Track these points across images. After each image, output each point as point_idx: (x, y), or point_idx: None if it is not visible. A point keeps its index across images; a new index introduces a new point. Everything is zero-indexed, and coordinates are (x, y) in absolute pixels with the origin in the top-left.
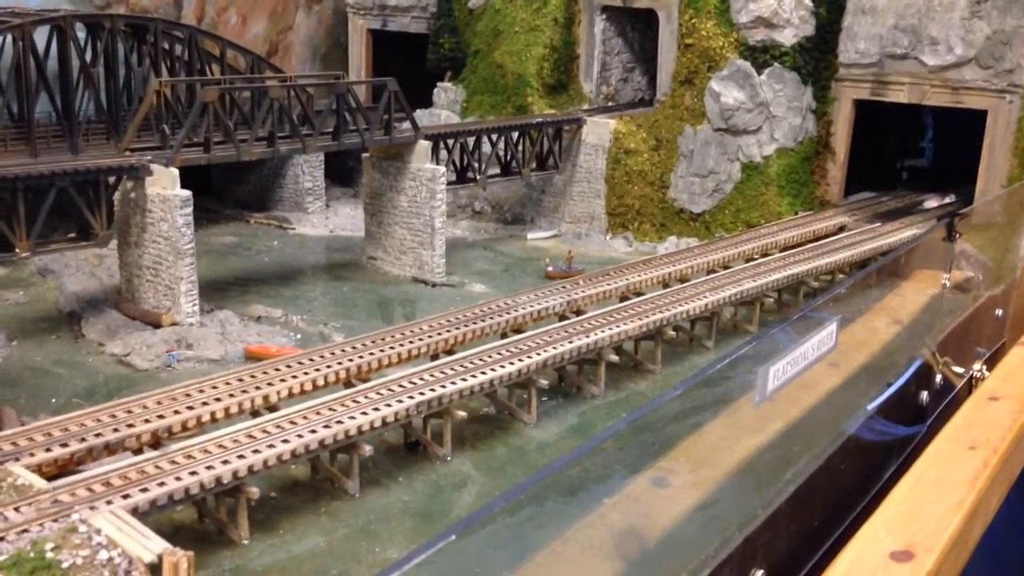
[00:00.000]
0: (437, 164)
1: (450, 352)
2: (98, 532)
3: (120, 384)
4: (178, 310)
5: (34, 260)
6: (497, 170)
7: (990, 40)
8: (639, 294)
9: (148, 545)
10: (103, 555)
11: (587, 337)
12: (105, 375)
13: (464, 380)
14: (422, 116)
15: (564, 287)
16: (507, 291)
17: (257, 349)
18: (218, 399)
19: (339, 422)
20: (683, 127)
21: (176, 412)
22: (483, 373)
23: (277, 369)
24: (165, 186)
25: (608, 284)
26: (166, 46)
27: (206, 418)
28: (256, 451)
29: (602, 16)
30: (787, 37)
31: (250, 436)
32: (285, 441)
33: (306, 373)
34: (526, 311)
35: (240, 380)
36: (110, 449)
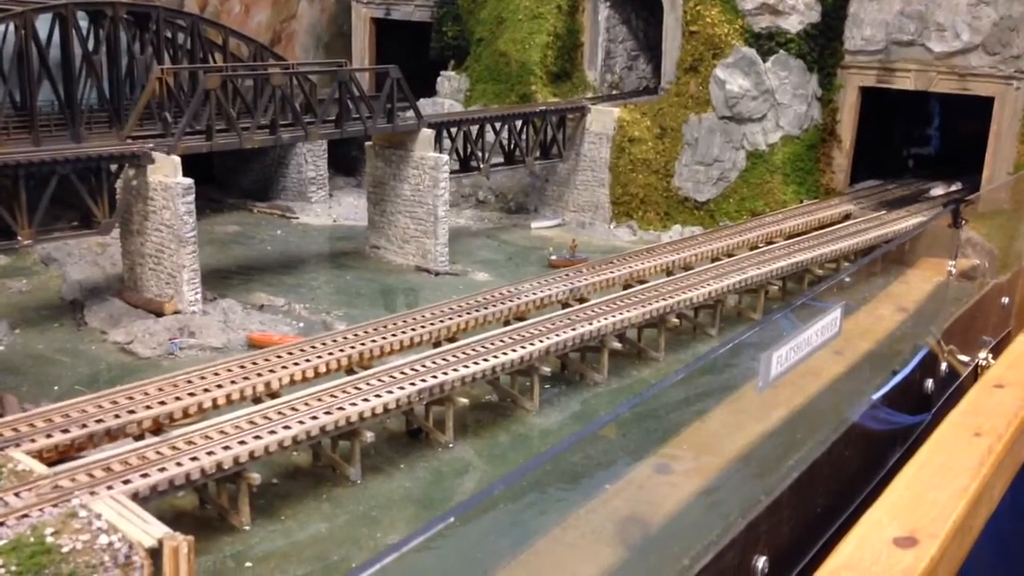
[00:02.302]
0: (440, 153)
1: (452, 340)
2: (98, 517)
3: (122, 372)
4: (181, 298)
5: (37, 249)
6: (501, 159)
7: (997, 26)
8: (642, 282)
9: (148, 530)
10: (103, 540)
11: (590, 324)
12: (107, 363)
13: (466, 367)
14: (425, 105)
15: (567, 275)
16: (510, 280)
17: (259, 337)
18: (220, 386)
19: (341, 408)
20: (688, 115)
21: (177, 398)
22: (485, 360)
23: (279, 356)
24: (167, 174)
25: (611, 272)
26: (168, 34)
27: (208, 404)
28: (257, 437)
29: (606, 3)
30: (792, 24)
31: (251, 422)
32: (286, 427)
33: (308, 360)
34: (529, 299)
35: (242, 367)
36: (111, 435)
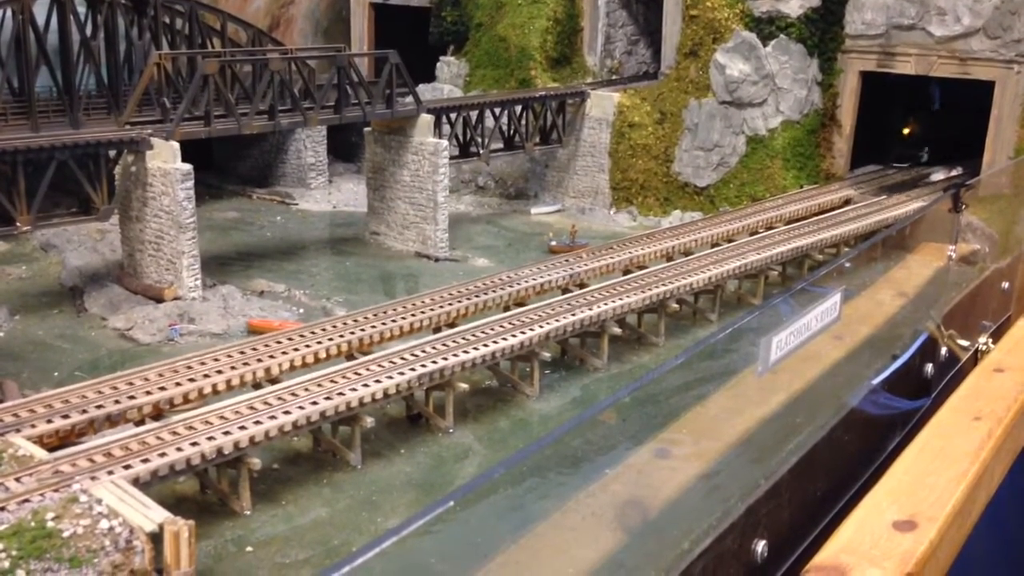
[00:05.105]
0: (440, 138)
1: (452, 325)
2: (99, 502)
3: (122, 358)
4: (180, 284)
5: (36, 235)
6: (500, 144)
7: (998, 10)
8: (642, 267)
9: (149, 515)
10: (104, 524)
11: (590, 310)
12: (107, 349)
13: (466, 352)
14: (425, 90)
15: (567, 261)
16: (510, 265)
17: (259, 323)
18: (220, 371)
19: (341, 394)
20: (688, 100)
21: (178, 384)
22: (485, 346)
23: (279, 342)
24: (166, 160)
25: (611, 257)
26: (166, 20)
27: (208, 390)
28: (257, 422)
29: None
30: (793, 8)
31: (251, 407)
32: (287, 412)
33: (308, 346)
34: (529, 284)
35: (242, 352)
36: (111, 420)
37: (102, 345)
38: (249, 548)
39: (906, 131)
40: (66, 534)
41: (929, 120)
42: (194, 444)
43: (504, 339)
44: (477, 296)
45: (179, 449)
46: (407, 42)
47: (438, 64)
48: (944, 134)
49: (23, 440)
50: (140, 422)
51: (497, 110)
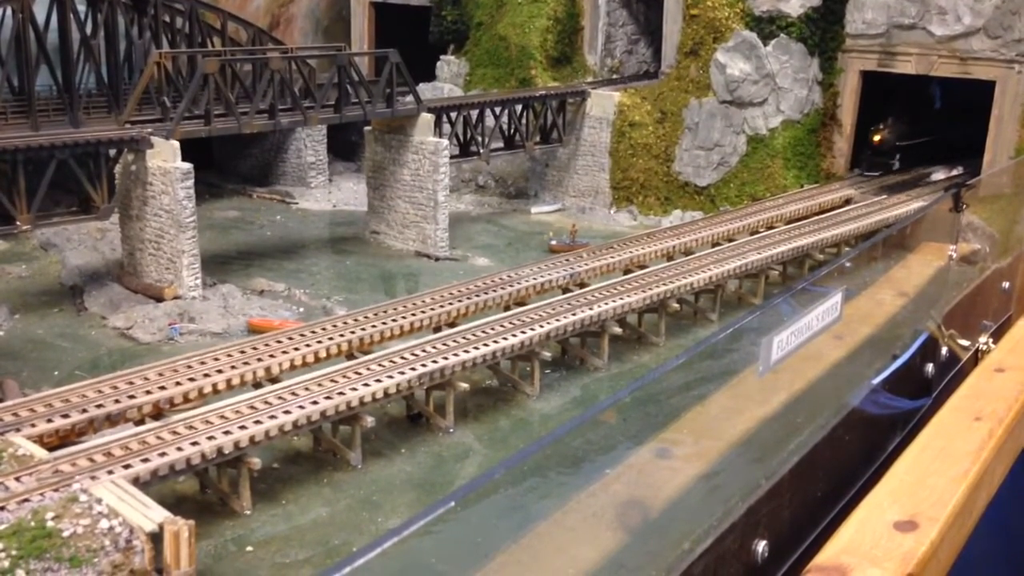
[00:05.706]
0: (440, 137)
1: (453, 325)
2: (99, 502)
3: (122, 357)
4: (180, 284)
5: (36, 234)
6: (500, 144)
7: (999, 9)
8: (643, 267)
9: (149, 514)
10: (104, 524)
11: (590, 309)
12: (107, 348)
13: (467, 352)
14: (425, 89)
15: (567, 260)
16: (511, 265)
17: (260, 322)
18: (220, 371)
19: (341, 393)
20: (688, 99)
21: (178, 383)
22: (486, 345)
23: (279, 341)
24: (166, 159)
25: (612, 257)
26: (167, 18)
27: (208, 389)
28: (258, 422)
29: None
30: (793, 7)
31: (252, 407)
32: (287, 412)
33: (308, 345)
34: (529, 284)
35: (242, 352)
36: (111, 420)
37: (102, 344)
38: (249, 548)
39: (876, 138)
40: (66, 534)
41: (905, 123)
42: (194, 443)
43: (504, 339)
44: (477, 295)
45: (179, 448)
46: (407, 41)
47: (438, 63)
48: (940, 135)
49: (23, 439)
50: (140, 421)
51: (497, 109)
